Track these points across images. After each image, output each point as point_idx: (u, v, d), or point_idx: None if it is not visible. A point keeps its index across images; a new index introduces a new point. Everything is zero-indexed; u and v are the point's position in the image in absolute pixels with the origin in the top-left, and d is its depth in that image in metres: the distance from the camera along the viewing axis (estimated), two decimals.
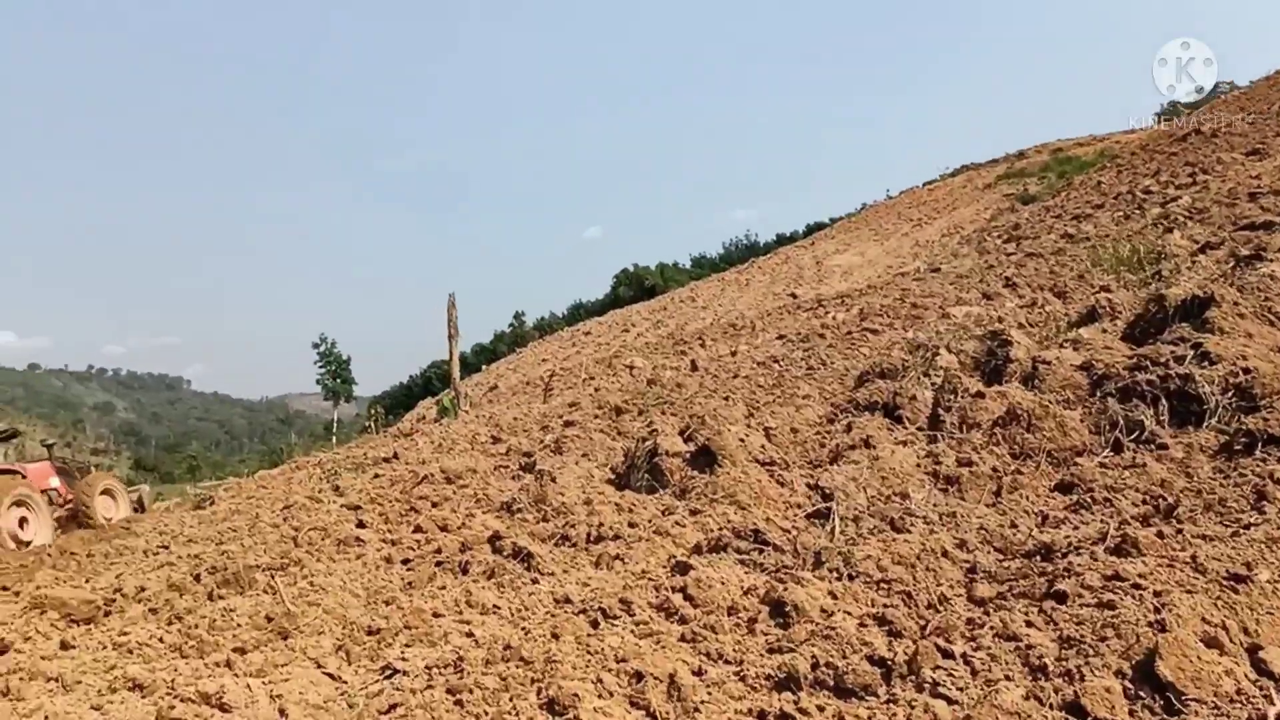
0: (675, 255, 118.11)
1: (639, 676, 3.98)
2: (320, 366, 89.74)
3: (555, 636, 4.67)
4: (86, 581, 8.12)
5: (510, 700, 4.04)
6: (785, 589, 4.48)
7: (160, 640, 5.82)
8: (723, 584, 4.85)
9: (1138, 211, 21.71)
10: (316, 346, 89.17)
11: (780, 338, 16.21)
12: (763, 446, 7.30)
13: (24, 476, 14.18)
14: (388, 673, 4.90)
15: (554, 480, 7.52)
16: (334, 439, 58.79)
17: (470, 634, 5.18)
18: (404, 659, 4.94)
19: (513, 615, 5.43)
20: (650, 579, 5.28)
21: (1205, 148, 26.02)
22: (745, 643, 4.31)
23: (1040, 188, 41.17)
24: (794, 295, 34.86)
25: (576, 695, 3.81)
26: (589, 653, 4.40)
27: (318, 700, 4.64)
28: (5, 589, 9.47)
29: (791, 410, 8.36)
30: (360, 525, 7.87)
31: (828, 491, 5.67)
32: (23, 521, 13.32)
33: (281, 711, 4.51)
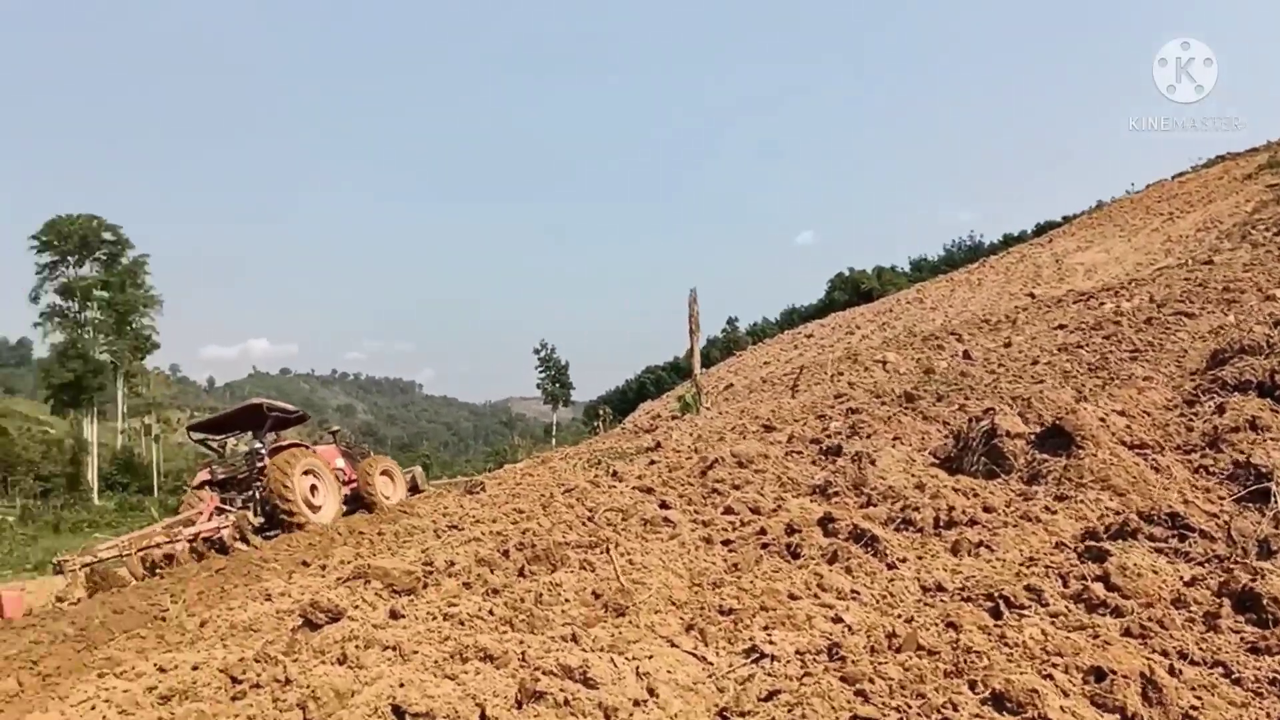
0: (892, 259, 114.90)
1: (1098, 674, 3.31)
2: (541, 372, 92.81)
3: (953, 626, 4.06)
4: (390, 556, 8.16)
5: (938, 692, 3.45)
6: (1255, 580, 3.69)
7: (490, 613, 5.58)
8: (1154, 573, 4.11)
9: None
10: (538, 352, 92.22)
11: (1060, 328, 14.97)
12: (1128, 428, 6.43)
13: (311, 450, 15.02)
14: (754, 656, 4.43)
15: (873, 463, 6.89)
16: (554, 441, 60.40)
17: (837, 619, 4.64)
18: (771, 642, 4.45)
19: (877, 601, 4.86)
20: (1047, 566, 4.57)
21: None
22: (1213, 640, 3.56)
23: None
24: (1033, 295, 32.75)
25: (1035, 691, 3.18)
26: (1006, 644, 3.77)
27: (686, 681, 4.22)
28: (306, 564, 9.76)
29: (1133, 393, 7.41)
30: (664, 506, 7.49)
31: (1263, 470, 4.80)
32: (313, 489, 14.20)
33: (650, 690, 4.11)
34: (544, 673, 4.25)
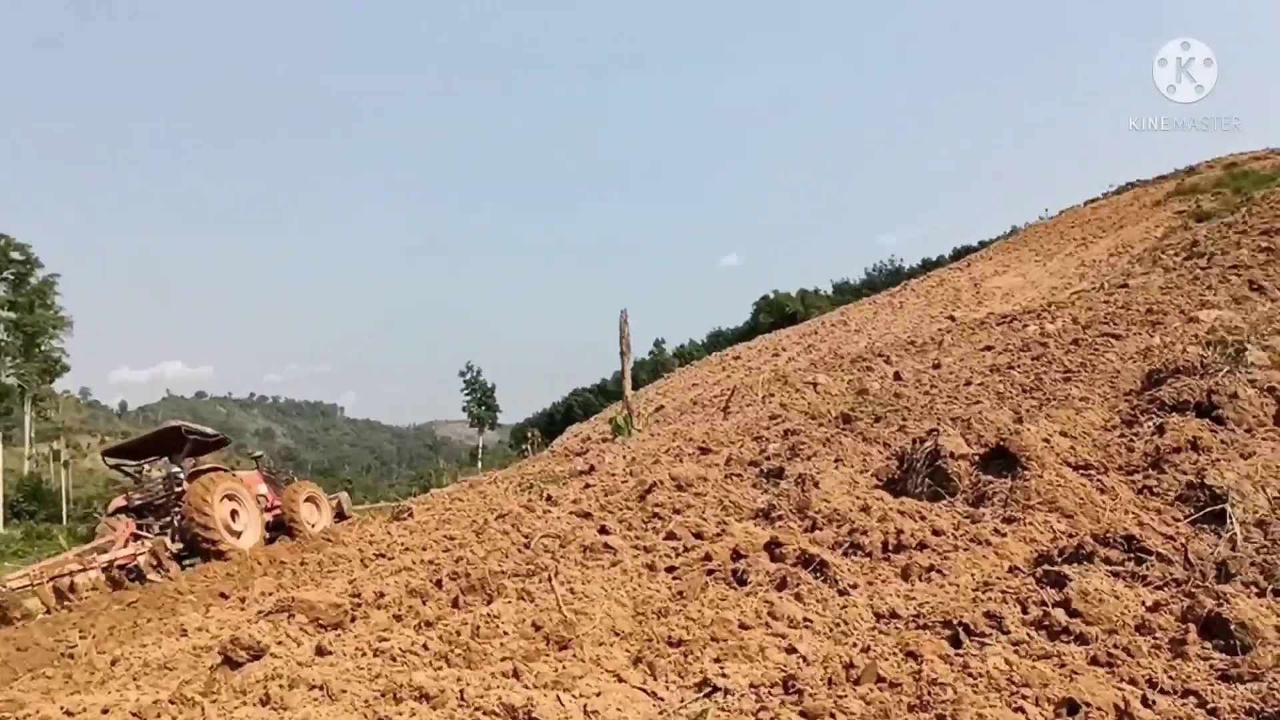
0: (816, 282, 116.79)
1: (1070, 706, 3.19)
2: (466, 394, 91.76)
3: (912, 655, 3.92)
4: (315, 588, 7.80)
5: None
6: (1220, 605, 3.62)
7: (424, 647, 5.29)
8: (1116, 598, 4.02)
9: None
10: (463, 375, 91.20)
11: (987, 349, 15.13)
12: (1072, 449, 6.40)
13: (232, 474, 14.76)
14: (705, 690, 4.23)
15: (817, 485, 6.77)
16: (480, 464, 59.66)
17: (791, 649, 4.48)
18: (724, 675, 4.26)
19: (830, 630, 4.70)
20: (1004, 592, 4.46)
21: None
22: (1182, 669, 3.47)
23: (1216, 204, 38.48)
24: (952, 318, 33.32)
25: None
26: (970, 675, 3.63)
27: (636, 719, 4.00)
28: (225, 596, 9.31)
29: (1070, 413, 7.42)
30: (603, 531, 7.27)
31: (1218, 492, 4.76)
32: (234, 514, 13.71)
33: None
34: (485, 713, 4.02)
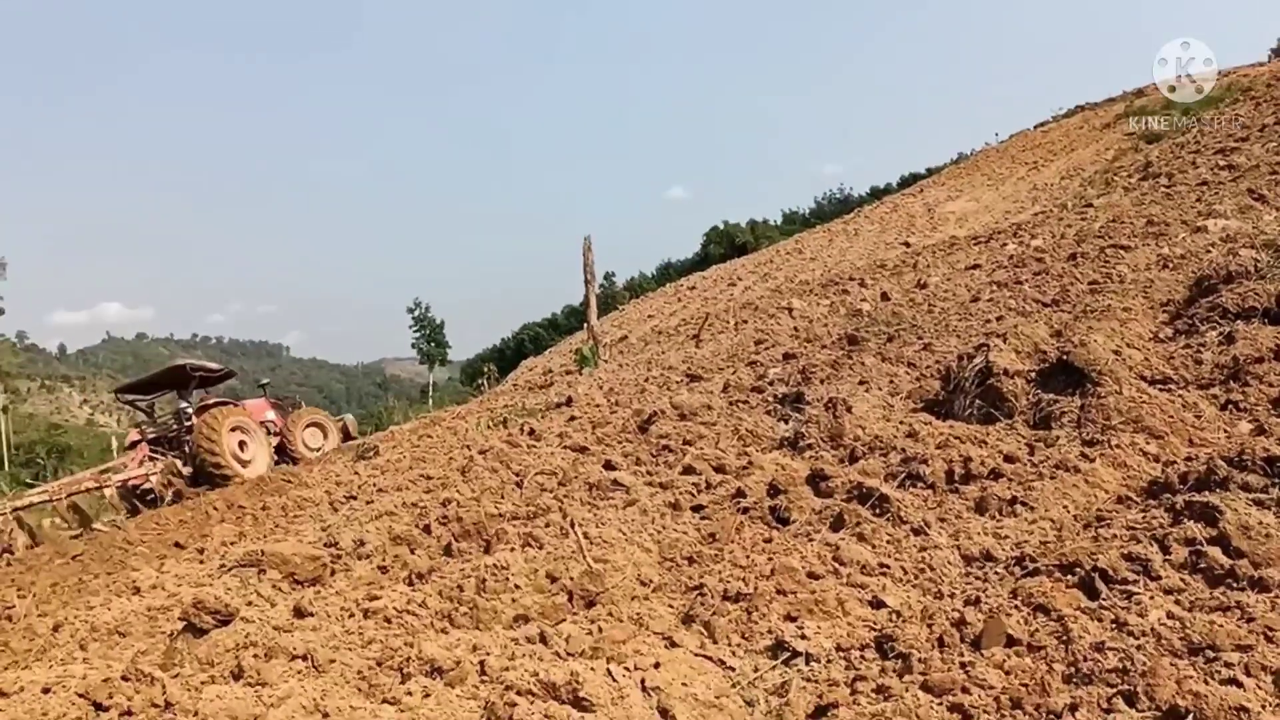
0: (764, 213, 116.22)
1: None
2: (415, 331, 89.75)
3: (1043, 610, 3.21)
4: (285, 537, 6.96)
5: (1086, 711, 2.59)
6: None
7: (423, 605, 4.51)
8: None
9: None
10: (411, 311, 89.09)
11: (974, 268, 14.46)
12: (1146, 361, 5.72)
13: (239, 407, 15.84)
14: (783, 655, 3.50)
15: (849, 410, 6.04)
16: (430, 402, 58.47)
17: (877, 602, 3.76)
18: (802, 635, 3.53)
19: (914, 577, 3.99)
20: (1130, 527, 3.74)
21: None
22: None
23: (1165, 126, 38.19)
24: (907, 243, 32.82)
25: (1244, 710, 2.34)
26: (1131, 634, 2.92)
27: (707, 695, 3.26)
28: (180, 546, 8.44)
29: (1115, 325, 6.73)
30: (609, 467, 6.51)
31: None
32: (242, 444, 14.68)
33: (662, 710, 3.15)
34: (518, 692, 3.24)
